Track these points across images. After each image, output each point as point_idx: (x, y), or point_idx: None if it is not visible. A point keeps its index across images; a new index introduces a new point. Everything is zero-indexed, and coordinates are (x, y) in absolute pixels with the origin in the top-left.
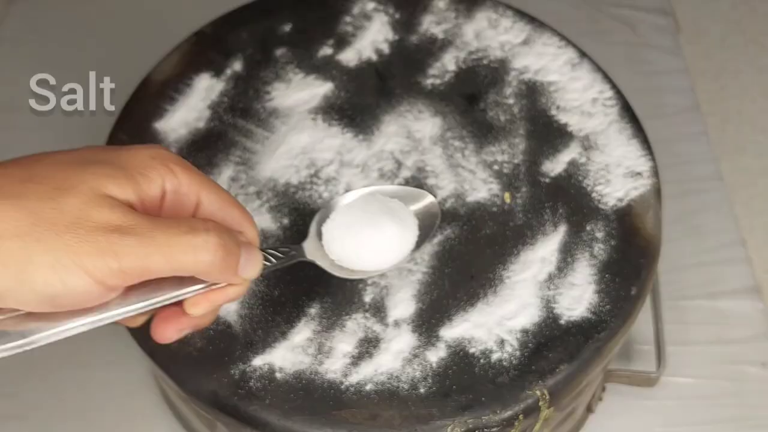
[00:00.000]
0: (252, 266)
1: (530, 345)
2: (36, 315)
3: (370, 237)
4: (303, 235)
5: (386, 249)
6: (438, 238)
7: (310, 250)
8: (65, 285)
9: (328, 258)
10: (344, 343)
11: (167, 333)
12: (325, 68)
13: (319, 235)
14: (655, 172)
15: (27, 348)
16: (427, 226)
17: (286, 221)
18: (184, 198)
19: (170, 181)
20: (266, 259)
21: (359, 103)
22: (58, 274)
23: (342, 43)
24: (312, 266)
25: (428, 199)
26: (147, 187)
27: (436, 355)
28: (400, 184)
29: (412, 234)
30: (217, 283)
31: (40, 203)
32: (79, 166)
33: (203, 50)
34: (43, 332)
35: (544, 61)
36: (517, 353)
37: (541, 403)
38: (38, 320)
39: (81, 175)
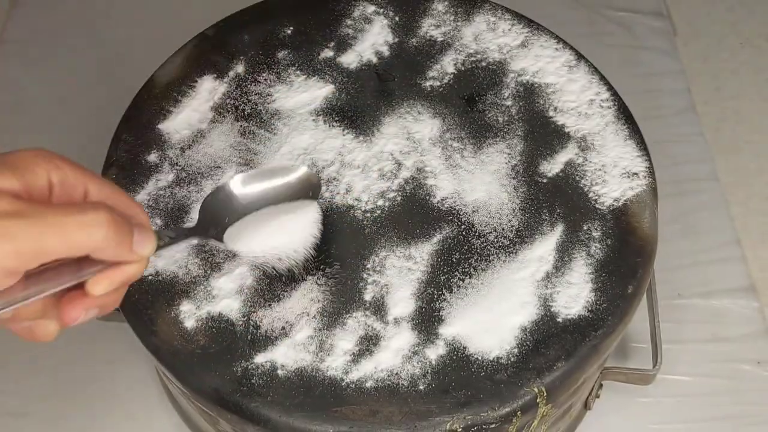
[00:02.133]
0: (145, 243)
1: (528, 343)
2: None
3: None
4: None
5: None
6: (437, 238)
7: (201, 231)
8: None
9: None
10: (345, 340)
11: (73, 314)
12: (326, 70)
13: (209, 218)
14: (652, 172)
15: None
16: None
17: None
18: (71, 189)
19: (56, 173)
20: (160, 239)
21: (360, 104)
22: None
23: (343, 45)
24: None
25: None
26: (32, 179)
27: (435, 353)
28: (399, 186)
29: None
30: (116, 263)
31: None
32: None
33: (206, 53)
34: None
35: (542, 63)
36: (515, 351)
37: (538, 400)
38: None
39: None
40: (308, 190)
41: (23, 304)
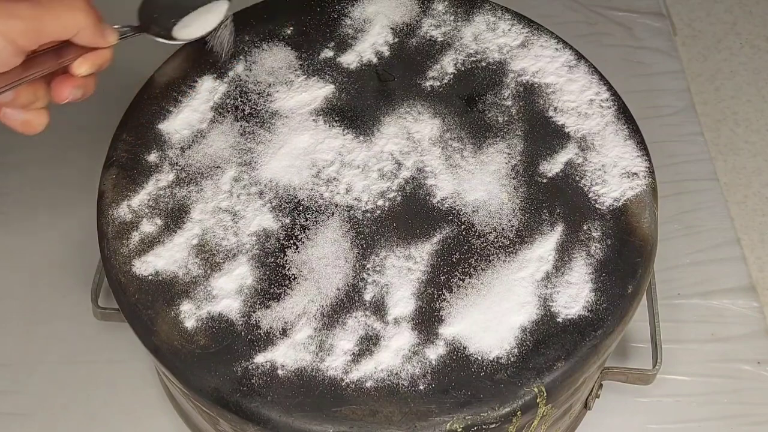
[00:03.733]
0: (111, 32)
1: (528, 343)
2: None
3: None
4: (305, 234)
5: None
6: (437, 238)
7: (144, 19)
8: None
9: (159, 26)
10: (345, 340)
11: (64, 92)
12: (326, 70)
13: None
14: (651, 172)
15: None
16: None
17: (287, 220)
18: None
19: None
20: (120, 32)
21: (360, 104)
22: None
23: (343, 45)
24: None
25: None
26: None
27: (435, 353)
28: (399, 186)
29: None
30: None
31: None
32: None
33: (206, 53)
34: None
35: (542, 63)
36: (515, 351)
37: (538, 400)
38: None
39: None
40: None
41: (26, 80)
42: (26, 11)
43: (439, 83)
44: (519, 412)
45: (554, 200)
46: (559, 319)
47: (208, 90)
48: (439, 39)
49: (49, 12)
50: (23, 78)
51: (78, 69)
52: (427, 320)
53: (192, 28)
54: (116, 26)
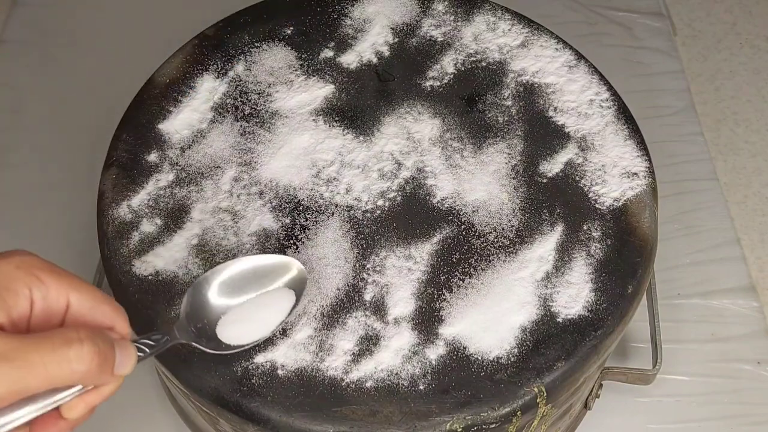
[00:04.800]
0: (127, 363)
1: (528, 343)
2: None
3: (259, 314)
4: (305, 234)
5: (272, 320)
6: (437, 238)
7: (182, 331)
8: None
9: (202, 337)
10: (345, 340)
11: None
12: (326, 70)
13: (191, 315)
14: (651, 172)
15: None
16: (299, 290)
17: (287, 220)
18: (53, 303)
19: (38, 288)
20: (140, 350)
21: (360, 104)
22: None
23: (343, 45)
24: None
25: (296, 268)
26: (14, 303)
27: (435, 353)
28: (399, 186)
29: (289, 298)
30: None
31: None
32: None
33: (206, 52)
34: None
35: (542, 63)
36: (515, 351)
37: (538, 400)
38: None
39: None
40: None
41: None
42: (5, 375)
43: (439, 83)
44: (519, 412)
45: (554, 200)
46: (559, 319)
47: (208, 90)
48: (439, 39)
49: (37, 371)
50: None
51: (69, 413)
52: (427, 320)
53: (242, 326)
54: (140, 339)
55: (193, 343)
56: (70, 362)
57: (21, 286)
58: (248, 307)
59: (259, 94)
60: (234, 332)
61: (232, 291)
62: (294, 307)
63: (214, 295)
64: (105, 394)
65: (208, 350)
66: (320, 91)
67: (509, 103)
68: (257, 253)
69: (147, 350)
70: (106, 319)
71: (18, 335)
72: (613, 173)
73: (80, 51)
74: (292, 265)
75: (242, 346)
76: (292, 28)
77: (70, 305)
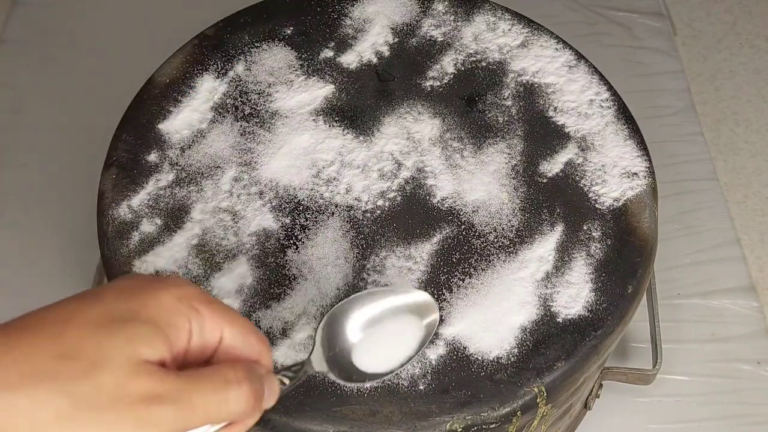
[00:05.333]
0: (272, 397)
1: (528, 342)
2: None
3: (395, 341)
4: (305, 234)
5: (406, 349)
6: (437, 238)
7: (317, 361)
8: None
9: (336, 366)
10: None
11: None
12: (326, 70)
13: (325, 345)
14: (651, 172)
15: None
16: (429, 324)
17: (287, 220)
18: (208, 336)
19: (195, 321)
20: (281, 382)
21: (360, 104)
22: None
23: (343, 45)
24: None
25: (433, 315)
26: (176, 338)
27: (435, 353)
28: (400, 186)
29: (420, 327)
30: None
31: (77, 384)
32: (110, 329)
33: (206, 52)
34: None
35: (542, 63)
36: (515, 351)
37: (538, 400)
38: None
39: (113, 340)
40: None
41: None
42: (169, 417)
43: (439, 83)
44: (519, 412)
45: (554, 200)
46: (559, 319)
47: (208, 90)
48: (439, 39)
49: (197, 413)
50: None
51: None
52: None
53: (377, 355)
54: (281, 372)
55: (330, 375)
56: (228, 403)
57: (183, 320)
58: (382, 337)
59: (259, 94)
60: (369, 361)
61: (367, 321)
62: (426, 339)
63: (350, 325)
64: (249, 424)
65: (341, 381)
66: (320, 91)
67: (509, 103)
68: (258, 252)
69: (287, 382)
70: (254, 353)
71: (180, 374)
72: (613, 173)
73: (80, 51)
74: (428, 303)
75: (378, 375)
76: (292, 28)
77: (223, 338)
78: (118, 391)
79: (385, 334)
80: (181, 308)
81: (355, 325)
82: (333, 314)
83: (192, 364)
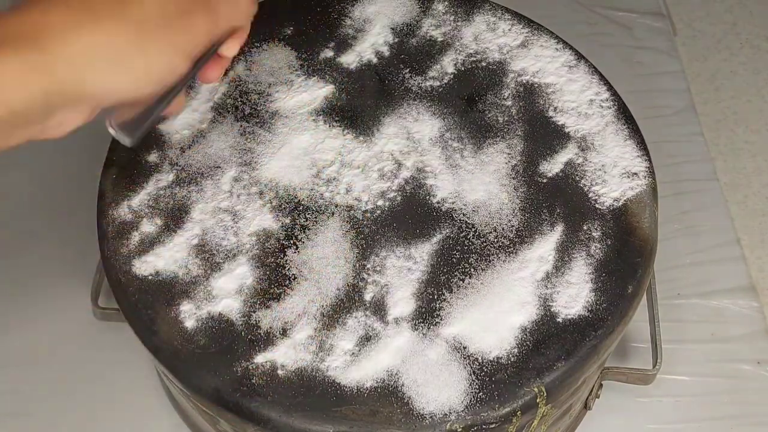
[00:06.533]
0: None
1: (528, 343)
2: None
3: None
4: (305, 234)
5: None
6: (437, 238)
7: None
8: (174, 69)
9: None
10: (345, 340)
11: (215, 74)
12: (326, 70)
13: None
14: (651, 172)
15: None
16: None
17: (287, 220)
18: None
19: None
20: None
21: (360, 104)
22: (170, 63)
23: (343, 45)
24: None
25: None
26: None
27: (435, 353)
28: (399, 186)
29: None
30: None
31: (131, 14)
32: None
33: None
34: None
35: (542, 63)
36: (515, 351)
37: (538, 400)
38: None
39: None
40: None
41: (188, 80)
42: (203, 25)
43: (439, 83)
44: (519, 412)
45: (554, 200)
46: (559, 319)
47: (208, 90)
48: (439, 39)
49: (221, 19)
50: (187, 77)
51: (227, 51)
52: (427, 320)
53: None
54: None
55: None
56: (244, 12)
57: None
58: None
59: (259, 94)
60: None
61: None
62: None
63: None
64: (247, 30)
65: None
66: (320, 91)
67: (509, 103)
68: (258, 252)
69: None
70: None
71: None
72: (613, 173)
73: None
74: None
75: None
76: (292, 28)
77: None
78: (163, 11)
79: None
80: None
81: None
82: None
83: None
